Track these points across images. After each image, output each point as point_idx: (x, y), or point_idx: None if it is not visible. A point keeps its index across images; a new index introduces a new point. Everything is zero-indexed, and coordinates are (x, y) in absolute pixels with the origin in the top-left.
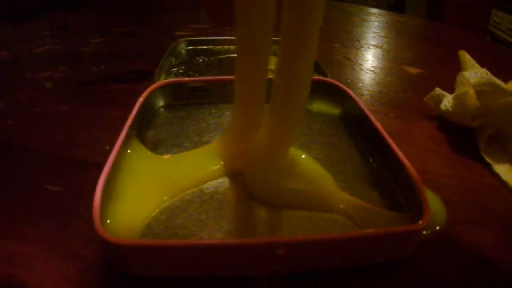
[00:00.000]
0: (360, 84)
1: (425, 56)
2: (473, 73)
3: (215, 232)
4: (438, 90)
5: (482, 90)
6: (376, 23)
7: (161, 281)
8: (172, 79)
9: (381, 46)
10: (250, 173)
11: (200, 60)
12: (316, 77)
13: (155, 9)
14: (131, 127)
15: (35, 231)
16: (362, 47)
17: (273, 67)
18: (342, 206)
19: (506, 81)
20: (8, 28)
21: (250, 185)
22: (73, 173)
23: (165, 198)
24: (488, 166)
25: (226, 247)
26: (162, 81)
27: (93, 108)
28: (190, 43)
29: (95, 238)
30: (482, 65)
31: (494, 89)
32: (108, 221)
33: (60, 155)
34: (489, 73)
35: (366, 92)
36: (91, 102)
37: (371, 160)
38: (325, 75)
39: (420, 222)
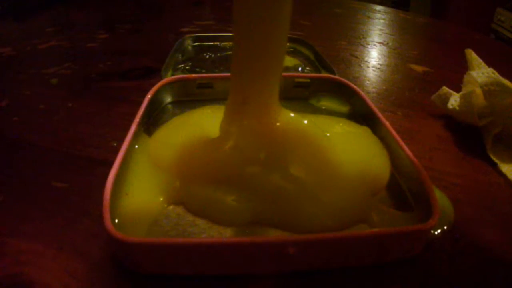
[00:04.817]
0: (367, 82)
1: (430, 54)
2: (481, 72)
3: (225, 230)
4: (445, 89)
5: (489, 90)
6: (382, 21)
7: (170, 279)
8: (180, 75)
9: (387, 43)
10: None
11: (207, 57)
12: (324, 74)
13: (159, 6)
14: (139, 124)
15: (42, 228)
16: (368, 44)
17: None
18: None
19: (511, 80)
20: (12, 24)
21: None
22: (80, 170)
23: (175, 195)
24: (494, 165)
25: (235, 245)
26: (170, 77)
27: (99, 105)
28: (196, 39)
29: (103, 235)
30: (487, 63)
31: (502, 89)
32: (116, 220)
33: (66, 152)
34: (496, 73)
35: (373, 90)
36: (97, 99)
37: None
38: (332, 72)
39: (429, 221)
